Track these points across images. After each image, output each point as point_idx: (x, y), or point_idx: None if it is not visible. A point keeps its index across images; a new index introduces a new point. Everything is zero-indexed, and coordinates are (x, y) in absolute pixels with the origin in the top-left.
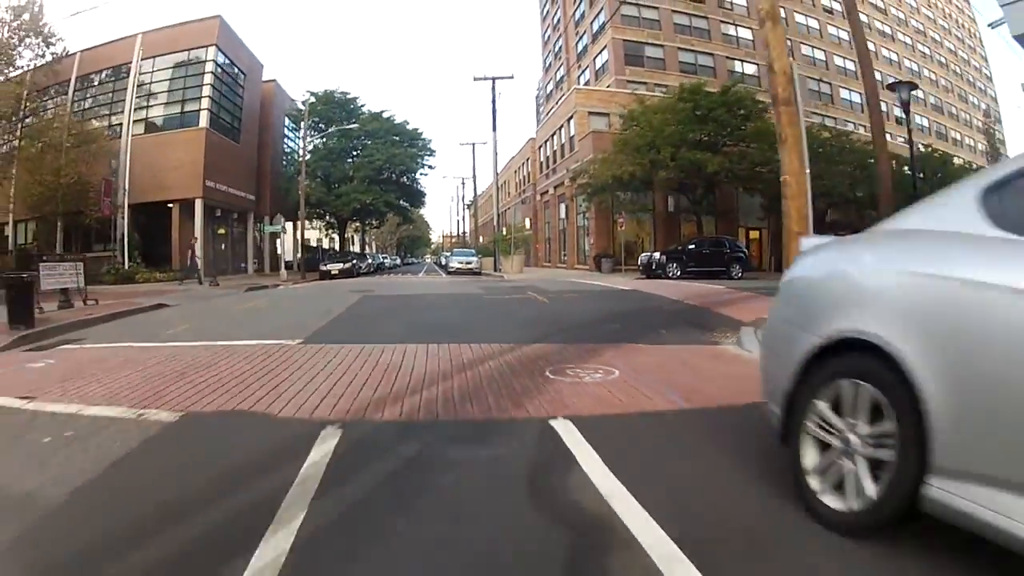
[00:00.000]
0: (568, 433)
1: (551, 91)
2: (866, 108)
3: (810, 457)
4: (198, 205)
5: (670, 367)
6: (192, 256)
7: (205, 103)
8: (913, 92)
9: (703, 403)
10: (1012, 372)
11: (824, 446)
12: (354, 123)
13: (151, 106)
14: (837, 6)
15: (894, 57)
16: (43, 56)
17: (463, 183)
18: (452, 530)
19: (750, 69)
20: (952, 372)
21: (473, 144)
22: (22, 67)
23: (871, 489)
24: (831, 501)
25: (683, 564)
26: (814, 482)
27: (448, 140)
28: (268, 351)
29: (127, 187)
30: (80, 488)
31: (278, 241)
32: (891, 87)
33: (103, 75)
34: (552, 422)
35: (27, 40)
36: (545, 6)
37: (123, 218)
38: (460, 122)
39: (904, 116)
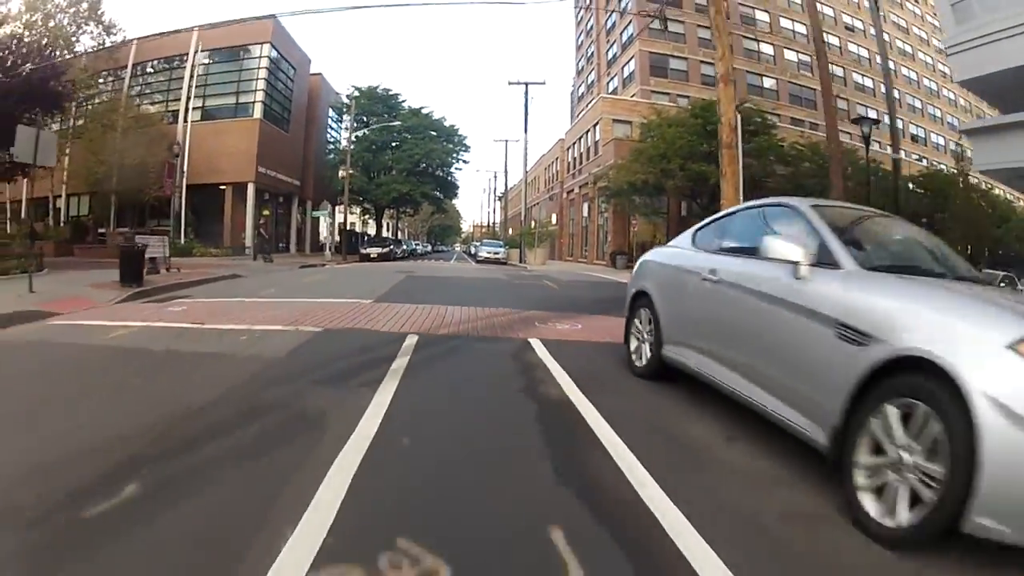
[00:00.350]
0: (535, 344)
1: (583, 93)
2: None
3: (634, 344)
4: (250, 189)
5: (617, 326)
6: (261, 234)
7: (260, 96)
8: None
9: (616, 339)
10: (687, 302)
11: (639, 340)
12: (396, 120)
13: (208, 96)
14: (829, 11)
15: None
16: (103, 44)
17: (495, 176)
18: (473, 365)
19: (769, 83)
20: (667, 300)
21: (506, 141)
22: (80, 52)
23: (647, 355)
24: (636, 361)
25: (569, 385)
26: (634, 353)
27: (483, 134)
28: (353, 305)
29: (185, 170)
30: (289, 352)
31: (322, 224)
32: (855, 121)
33: (158, 64)
34: (529, 339)
35: (85, 27)
36: (580, 12)
37: (180, 197)
38: (495, 117)
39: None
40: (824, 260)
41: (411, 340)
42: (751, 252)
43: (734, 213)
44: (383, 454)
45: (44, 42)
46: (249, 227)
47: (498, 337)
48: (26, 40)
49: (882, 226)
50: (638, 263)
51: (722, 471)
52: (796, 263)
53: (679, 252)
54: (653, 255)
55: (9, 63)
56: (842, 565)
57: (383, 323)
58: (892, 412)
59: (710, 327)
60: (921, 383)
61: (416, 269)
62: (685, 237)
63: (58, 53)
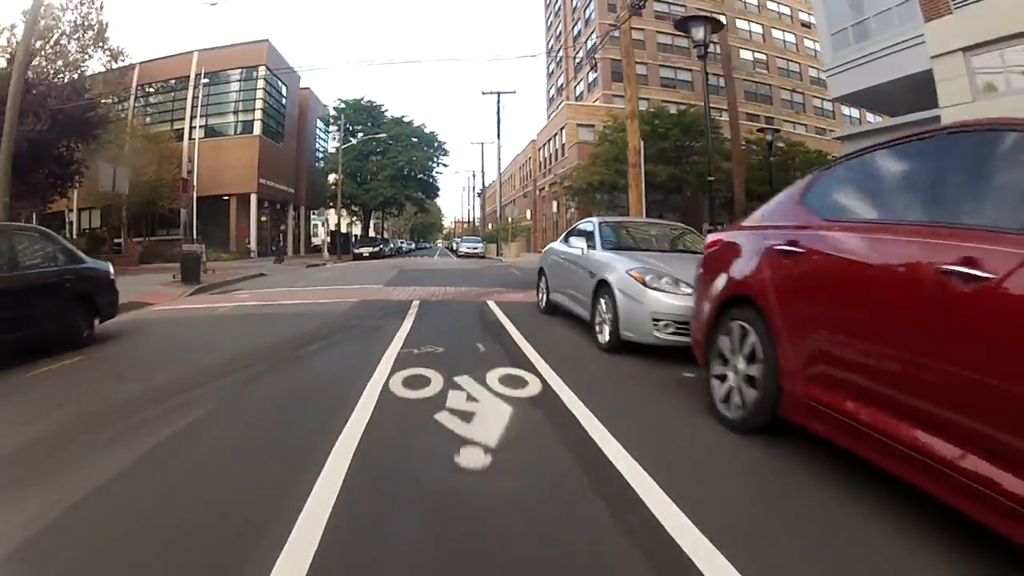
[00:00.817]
0: (490, 303)
1: (553, 95)
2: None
3: (539, 296)
4: (253, 199)
5: None
6: (281, 239)
7: (258, 114)
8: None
9: None
10: (556, 269)
11: (541, 294)
12: (379, 130)
13: (210, 115)
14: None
15: None
16: (110, 68)
17: (473, 175)
18: (452, 311)
19: (723, 81)
20: (549, 269)
21: (482, 144)
22: (92, 74)
23: (544, 301)
24: (540, 305)
25: (503, 317)
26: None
27: (462, 134)
28: (371, 289)
29: (194, 183)
30: (344, 311)
31: (320, 227)
32: (761, 131)
33: (160, 85)
34: (487, 301)
35: (92, 53)
36: (550, 18)
37: (191, 209)
38: (474, 117)
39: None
40: (591, 246)
41: (416, 303)
42: (569, 243)
43: (574, 227)
44: (413, 335)
45: (69, 77)
46: (253, 233)
47: (468, 300)
48: (43, 68)
49: (635, 227)
50: (543, 251)
51: (557, 334)
52: (581, 248)
53: (555, 245)
54: (548, 247)
55: (49, 101)
56: None
57: (395, 296)
58: (600, 300)
59: (562, 280)
60: (607, 288)
61: (406, 264)
62: (561, 237)
63: (76, 78)
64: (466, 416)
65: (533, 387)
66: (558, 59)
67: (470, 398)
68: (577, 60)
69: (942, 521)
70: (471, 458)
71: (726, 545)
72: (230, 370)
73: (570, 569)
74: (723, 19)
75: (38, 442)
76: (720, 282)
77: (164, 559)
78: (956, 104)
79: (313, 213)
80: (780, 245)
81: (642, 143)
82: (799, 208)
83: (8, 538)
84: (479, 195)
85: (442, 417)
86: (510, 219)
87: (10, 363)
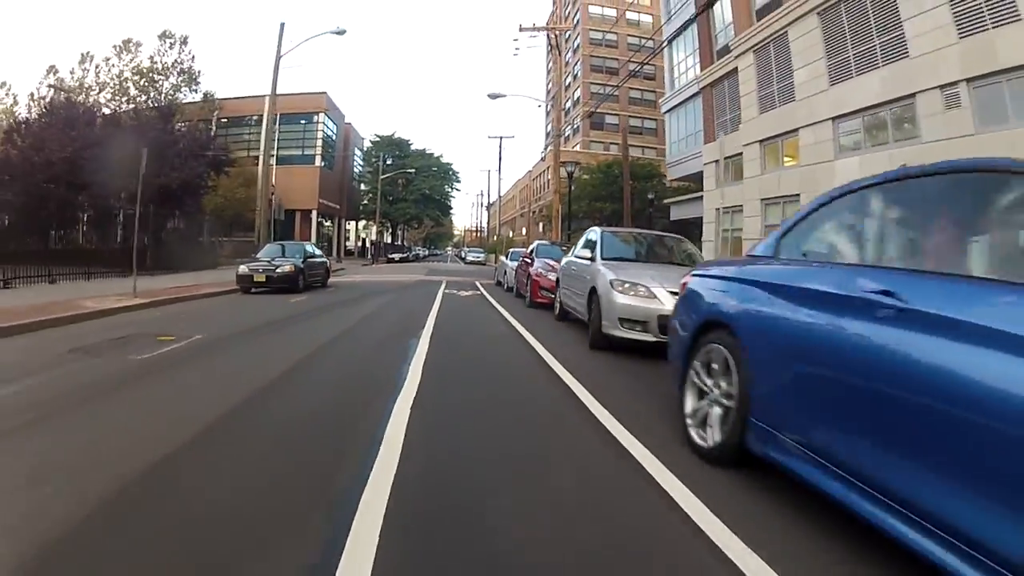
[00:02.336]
0: (482, 288)
1: (549, 130)
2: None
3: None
4: (313, 213)
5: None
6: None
7: (318, 149)
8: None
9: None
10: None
11: (500, 274)
12: (406, 161)
13: (281, 147)
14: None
15: None
16: (197, 97)
17: (481, 194)
18: (460, 285)
19: (649, 124)
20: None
21: (488, 171)
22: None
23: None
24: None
25: (488, 296)
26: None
27: (475, 149)
28: (423, 277)
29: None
30: (416, 279)
31: (364, 236)
32: (564, 164)
33: (237, 120)
34: (478, 285)
35: (183, 91)
36: (549, 63)
37: (271, 220)
38: (486, 123)
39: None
40: (594, 257)
41: (445, 284)
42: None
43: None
44: (449, 287)
45: (189, 124)
46: (313, 239)
47: (468, 284)
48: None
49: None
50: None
51: (497, 292)
52: (588, 258)
53: (513, 252)
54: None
55: (190, 148)
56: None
57: (435, 278)
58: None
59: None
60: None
61: (430, 267)
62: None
63: (204, 127)
64: (468, 302)
65: (484, 297)
66: (549, 108)
67: (468, 303)
68: (565, 110)
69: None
70: (478, 317)
71: (572, 368)
72: (379, 294)
73: (510, 365)
74: None
75: (317, 310)
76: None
77: (389, 331)
78: (710, 190)
79: (349, 224)
80: None
81: (559, 207)
82: None
83: (355, 320)
84: (487, 209)
85: (461, 298)
86: (510, 234)
87: (307, 289)
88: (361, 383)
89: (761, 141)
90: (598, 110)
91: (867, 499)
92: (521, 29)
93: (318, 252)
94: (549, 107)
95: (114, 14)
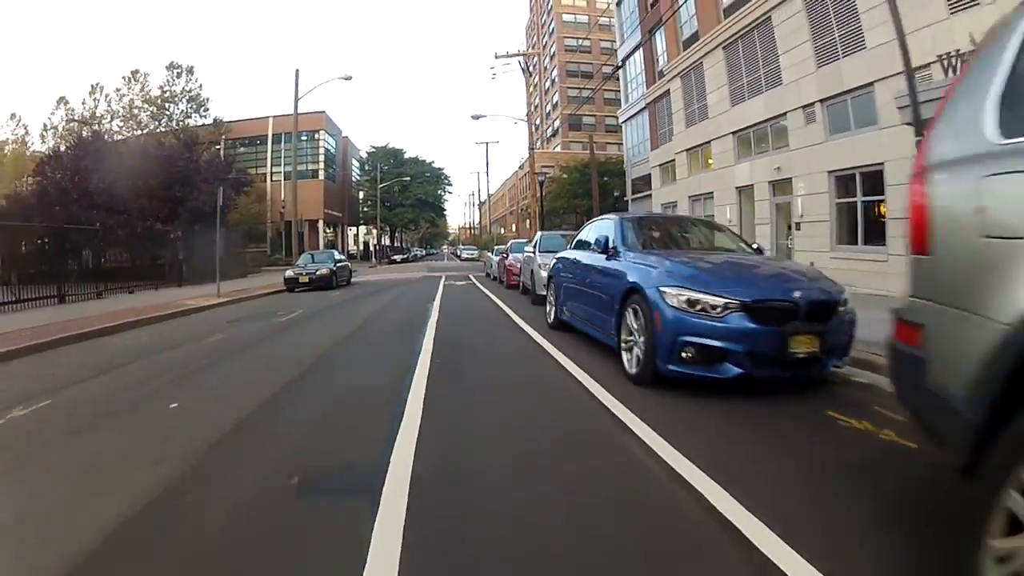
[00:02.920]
0: (474, 279)
1: (537, 125)
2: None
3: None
4: (320, 223)
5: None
6: (368, 249)
7: (321, 164)
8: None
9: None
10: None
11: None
12: (400, 166)
13: (288, 164)
14: None
15: None
16: (207, 121)
17: (473, 194)
18: (457, 278)
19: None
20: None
21: (478, 173)
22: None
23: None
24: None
25: (479, 285)
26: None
27: (466, 149)
28: (423, 275)
29: (281, 213)
30: (420, 276)
31: (363, 239)
32: (537, 174)
33: (242, 139)
34: (471, 277)
35: (193, 116)
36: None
37: (279, 230)
38: (473, 137)
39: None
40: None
41: (444, 277)
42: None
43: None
44: (448, 280)
45: (222, 152)
46: (321, 246)
47: (463, 277)
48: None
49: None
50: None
51: (488, 282)
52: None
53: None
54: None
55: (213, 173)
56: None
57: (435, 274)
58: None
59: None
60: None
61: (429, 265)
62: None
63: (224, 153)
64: (461, 289)
65: (475, 284)
66: (535, 105)
67: (463, 289)
68: (545, 113)
69: None
70: (463, 291)
71: (521, 315)
72: (395, 287)
73: (486, 310)
74: None
75: (355, 298)
76: None
77: (412, 305)
78: (656, 189)
79: (350, 229)
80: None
81: (538, 209)
82: None
83: (388, 300)
84: (480, 204)
85: (457, 286)
86: (501, 230)
87: (339, 287)
88: (410, 320)
89: (688, 150)
90: (576, 112)
91: (588, 328)
92: (496, 57)
93: (343, 257)
94: (530, 110)
95: (116, 45)
